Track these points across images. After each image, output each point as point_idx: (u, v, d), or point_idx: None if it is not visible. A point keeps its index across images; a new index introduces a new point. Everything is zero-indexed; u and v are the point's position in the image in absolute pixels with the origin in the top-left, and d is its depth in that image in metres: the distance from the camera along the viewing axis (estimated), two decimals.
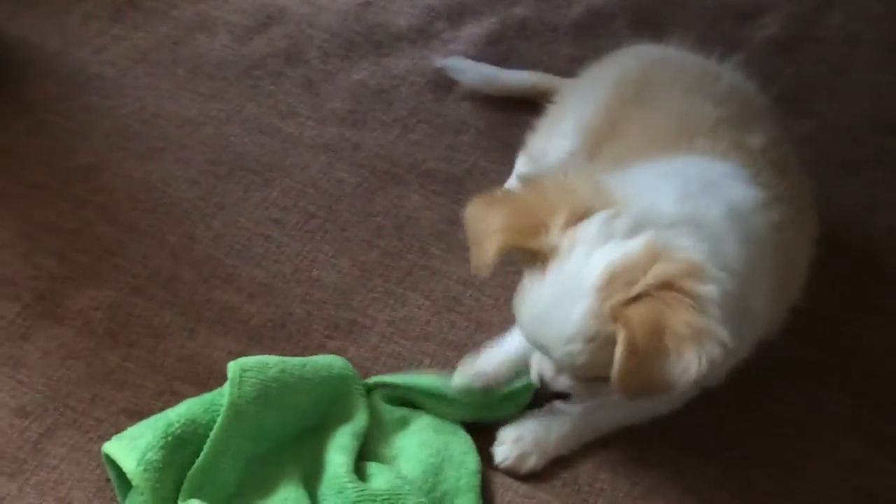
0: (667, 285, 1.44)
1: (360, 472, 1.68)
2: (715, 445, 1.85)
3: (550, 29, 2.67)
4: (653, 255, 1.47)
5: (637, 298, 1.45)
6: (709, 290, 1.44)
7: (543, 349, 1.59)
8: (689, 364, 1.41)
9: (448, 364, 1.92)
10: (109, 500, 1.70)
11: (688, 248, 1.48)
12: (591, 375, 1.56)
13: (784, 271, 1.69)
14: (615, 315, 1.45)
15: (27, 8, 2.57)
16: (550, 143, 2.11)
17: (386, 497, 1.62)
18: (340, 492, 1.63)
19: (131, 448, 1.59)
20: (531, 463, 1.78)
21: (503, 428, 1.80)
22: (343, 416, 1.75)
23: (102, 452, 1.63)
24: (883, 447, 1.89)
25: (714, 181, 1.66)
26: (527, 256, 1.56)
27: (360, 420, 1.75)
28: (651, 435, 1.82)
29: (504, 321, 1.99)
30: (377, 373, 1.90)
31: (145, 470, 1.57)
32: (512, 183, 2.20)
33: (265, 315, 1.98)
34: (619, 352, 1.44)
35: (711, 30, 2.66)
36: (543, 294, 1.53)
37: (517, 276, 2.05)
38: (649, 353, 1.43)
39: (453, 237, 2.14)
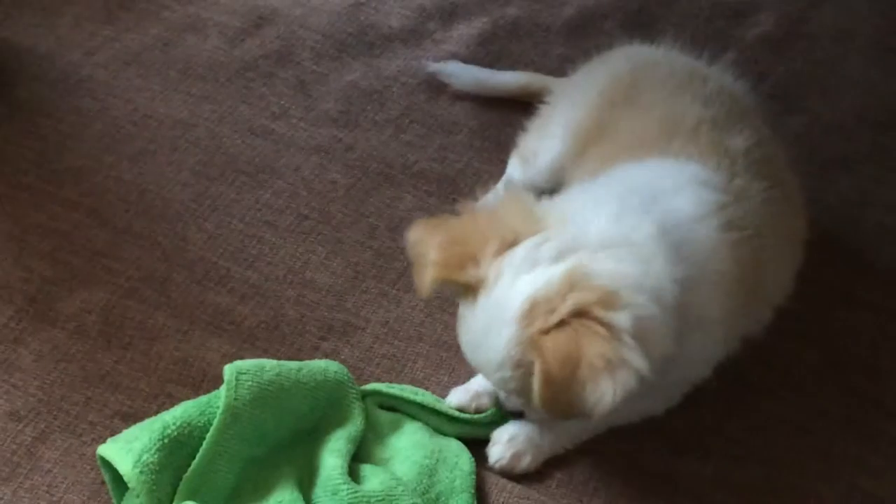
0: (581, 314, 1.47)
1: (353, 474, 1.67)
2: (711, 445, 1.85)
3: (542, 29, 2.67)
4: (572, 283, 1.50)
5: (555, 326, 1.48)
6: (621, 318, 1.47)
7: (482, 374, 1.67)
8: (603, 395, 1.45)
9: (442, 365, 1.93)
10: None
11: (607, 274, 1.51)
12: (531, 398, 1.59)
13: (752, 273, 1.70)
14: (533, 344, 1.49)
15: (18, 10, 2.56)
16: (541, 145, 2.12)
17: (380, 498, 1.61)
18: (335, 493, 1.62)
19: (127, 450, 1.58)
20: (525, 463, 1.77)
21: (497, 428, 1.80)
22: (339, 421, 1.75)
23: (97, 455, 1.62)
24: (880, 445, 1.89)
25: (665, 189, 1.68)
26: (460, 288, 1.61)
27: (355, 424, 1.74)
28: (646, 435, 1.82)
29: None
30: (371, 374, 1.90)
31: (141, 472, 1.56)
32: (501, 185, 2.20)
33: (258, 317, 1.97)
34: (535, 381, 1.49)
35: (704, 28, 2.66)
36: (476, 323, 1.59)
37: None
38: (564, 382, 1.47)
39: None
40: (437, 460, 1.73)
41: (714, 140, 1.79)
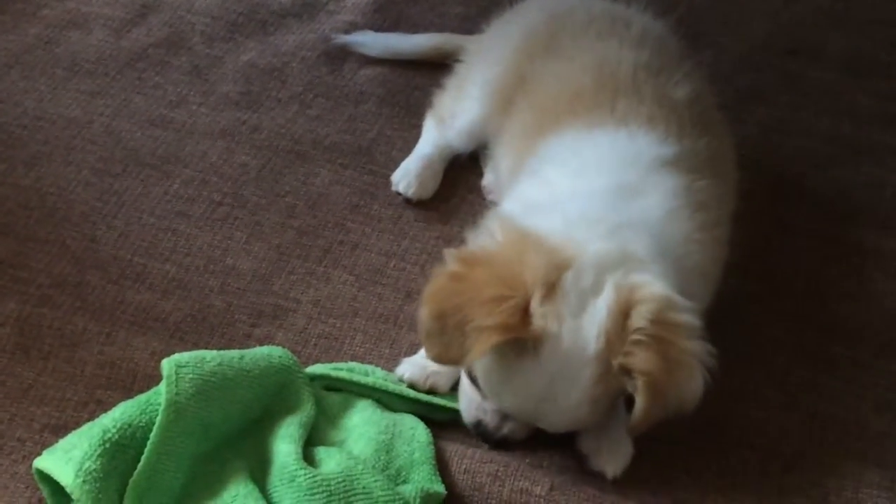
0: (655, 323, 1.47)
1: (308, 458, 1.59)
2: None
3: None
4: (627, 301, 1.49)
5: (637, 344, 1.47)
6: (686, 316, 1.49)
7: (538, 420, 1.60)
8: (698, 387, 1.50)
9: (382, 338, 1.87)
10: None
11: (650, 283, 1.51)
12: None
13: (717, 252, 1.72)
14: (626, 369, 1.48)
15: None
16: (458, 106, 2.09)
17: (340, 480, 1.53)
18: (292, 481, 1.53)
19: (66, 460, 1.48)
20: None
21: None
22: (288, 408, 1.66)
23: (34, 469, 1.52)
24: (829, 367, 1.88)
25: (633, 185, 1.64)
26: (512, 344, 1.52)
27: (305, 410, 1.65)
28: None
29: None
30: (309, 355, 1.83)
31: (85, 481, 1.45)
32: (426, 148, 2.14)
33: (183, 310, 1.88)
34: (642, 398, 1.48)
35: None
36: (541, 375, 1.52)
37: (439, 238, 2.01)
38: (668, 388, 1.49)
39: (368, 209, 2.09)
40: (393, 435, 1.66)
41: (657, 94, 1.75)
